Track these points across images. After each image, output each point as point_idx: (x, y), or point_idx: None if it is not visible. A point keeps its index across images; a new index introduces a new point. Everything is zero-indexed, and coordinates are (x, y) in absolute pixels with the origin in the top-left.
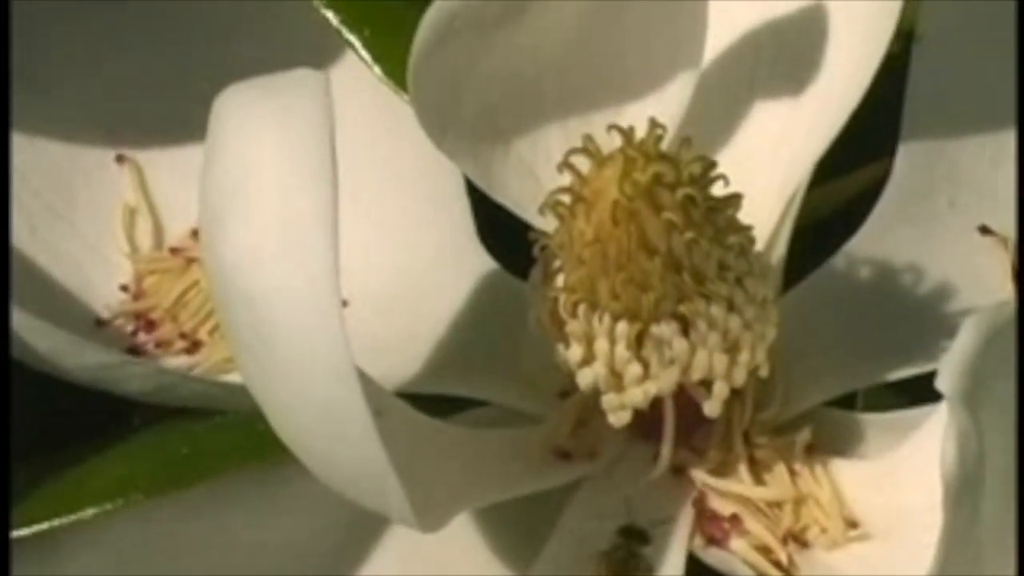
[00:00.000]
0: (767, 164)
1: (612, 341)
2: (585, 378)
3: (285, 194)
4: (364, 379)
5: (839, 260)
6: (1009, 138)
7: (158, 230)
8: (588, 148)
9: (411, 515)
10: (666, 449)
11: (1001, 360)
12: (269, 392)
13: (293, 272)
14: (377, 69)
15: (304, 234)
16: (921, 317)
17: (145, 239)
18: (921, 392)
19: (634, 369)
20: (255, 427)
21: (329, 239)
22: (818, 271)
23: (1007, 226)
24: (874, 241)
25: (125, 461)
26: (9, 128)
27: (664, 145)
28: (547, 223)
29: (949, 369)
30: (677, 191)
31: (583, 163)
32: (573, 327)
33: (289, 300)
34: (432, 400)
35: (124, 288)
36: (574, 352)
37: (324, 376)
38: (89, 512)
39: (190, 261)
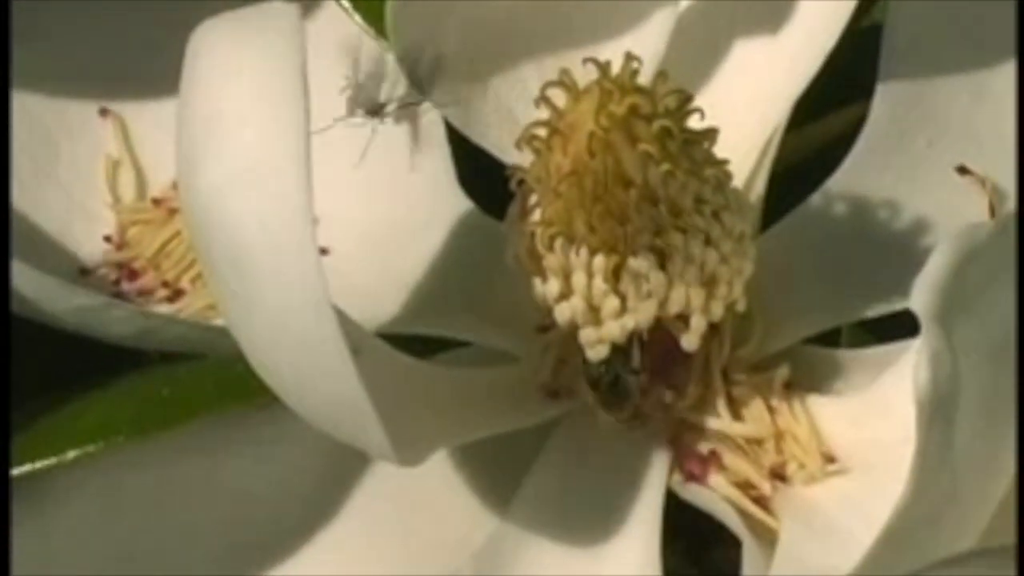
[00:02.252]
0: (745, 102)
1: (589, 274)
2: (563, 313)
3: (259, 124)
4: (341, 316)
5: (817, 199)
6: (987, 78)
7: (141, 182)
8: (564, 82)
9: (390, 449)
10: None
11: (979, 280)
12: (247, 326)
13: (267, 201)
14: (357, 17)
15: (277, 163)
16: (899, 254)
17: (128, 191)
18: (901, 330)
19: (611, 302)
20: (236, 369)
21: (302, 168)
22: (796, 210)
23: (985, 166)
24: (853, 180)
25: (106, 404)
26: (9, 122)
27: (641, 80)
28: (524, 159)
29: (923, 288)
30: (653, 123)
31: (560, 97)
32: (550, 261)
33: (263, 229)
34: (413, 341)
35: (107, 239)
36: (551, 286)
37: (300, 304)
38: (71, 454)
39: (172, 212)
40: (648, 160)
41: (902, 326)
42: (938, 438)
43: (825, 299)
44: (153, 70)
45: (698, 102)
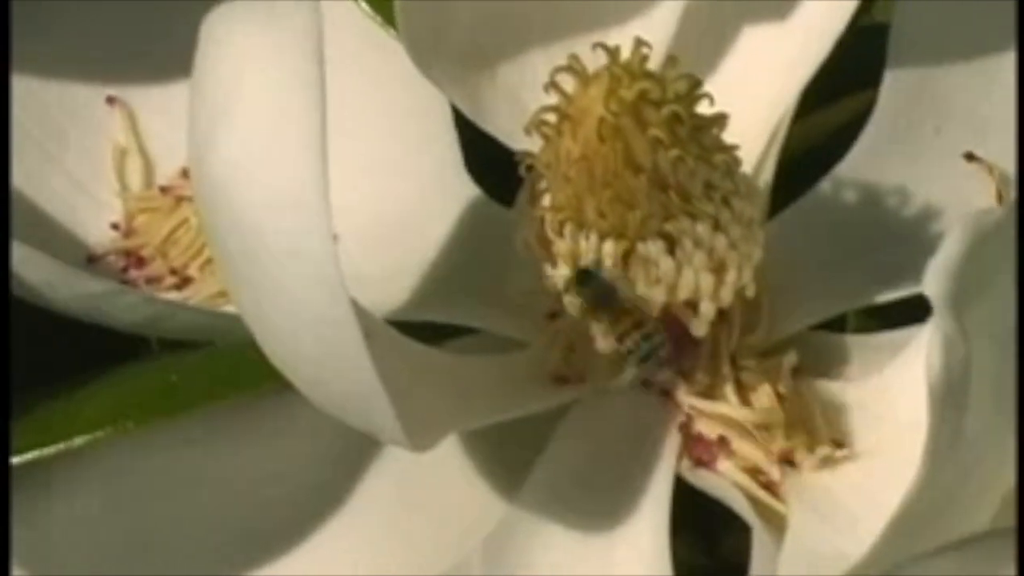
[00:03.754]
0: (754, 89)
1: (599, 260)
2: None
3: (275, 107)
4: (352, 303)
5: (826, 185)
6: (995, 66)
7: (148, 169)
8: (573, 67)
9: (401, 434)
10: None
11: (989, 265)
12: (259, 310)
13: (282, 183)
14: (364, 4)
15: (293, 145)
16: (907, 240)
17: (135, 178)
18: (908, 316)
19: None
20: (246, 355)
21: (318, 151)
22: (805, 196)
23: (993, 152)
24: (861, 167)
25: (114, 390)
26: (9, 119)
27: (651, 65)
28: (533, 144)
29: (935, 273)
30: (663, 108)
31: (569, 83)
32: (560, 246)
33: (278, 212)
34: (422, 328)
35: (115, 226)
36: (561, 272)
37: (314, 288)
38: (78, 440)
39: (180, 200)
40: (658, 145)
41: (909, 312)
42: (950, 423)
43: (833, 285)
44: (161, 58)
45: (706, 87)
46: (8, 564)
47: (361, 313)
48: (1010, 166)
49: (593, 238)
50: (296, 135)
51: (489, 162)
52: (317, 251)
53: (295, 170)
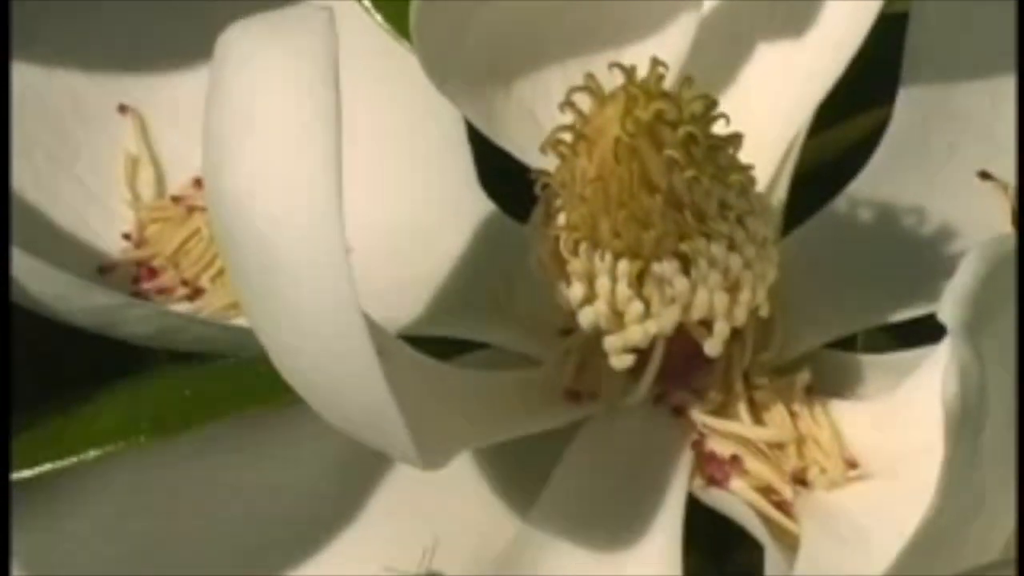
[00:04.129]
0: (768, 107)
1: (613, 279)
2: (586, 317)
3: (291, 125)
4: (366, 319)
5: (839, 203)
6: (1009, 83)
7: (160, 179)
8: (590, 86)
9: (414, 452)
10: (648, 378)
11: (1003, 292)
12: (273, 327)
13: (297, 201)
14: (378, 17)
15: (307, 163)
16: (921, 259)
17: (147, 188)
18: (921, 336)
19: (635, 307)
20: (258, 369)
21: (332, 168)
22: (819, 214)
23: (1007, 171)
24: (874, 184)
25: (127, 404)
26: (9, 120)
27: (666, 84)
28: (548, 162)
29: (952, 299)
30: (679, 129)
31: (584, 102)
32: (574, 265)
33: (293, 230)
34: (435, 343)
35: (126, 236)
36: (575, 291)
37: (328, 308)
38: (91, 454)
39: (192, 210)
40: (673, 166)
41: (922, 330)
42: (966, 449)
43: (847, 304)
44: (173, 67)
45: (721, 106)
46: (8, 564)
47: (374, 329)
48: None
49: (608, 257)
50: (311, 155)
51: (503, 176)
52: (331, 271)
53: (310, 190)
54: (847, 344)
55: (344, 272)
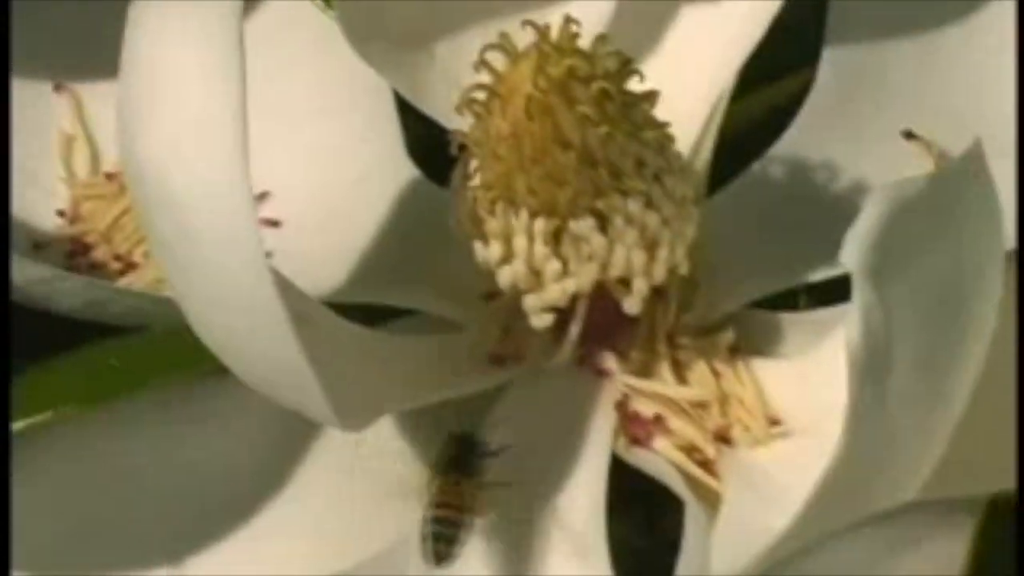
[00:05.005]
0: (691, 67)
1: (530, 238)
2: (505, 277)
3: (197, 91)
4: (286, 285)
5: (763, 164)
6: (933, 44)
7: (95, 157)
8: (503, 45)
9: (331, 414)
10: (572, 335)
11: (912, 234)
12: (190, 293)
13: (205, 165)
14: None
15: (214, 130)
16: (845, 219)
17: (82, 165)
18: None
19: (553, 266)
20: (184, 337)
21: (239, 134)
22: (742, 175)
23: (932, 130)
24: (799, 145)
25: (55, 375)
26: (9, 123)
27: (583, 44)
28: (466, 123)
29: (853, 243)
30: (591, 85)
31: (499, 61)
32: (491, 225)
33: (202, 196)
34: (362, 310)
35: (61, 213)
36: (493, 250)
37: (238, 267)
38: (19, 424)
39: (125, 187)
40: (586, 122)
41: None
42: (870, 393)
43: (771, 263)
44: (108, 45)
45: (643, 68)
46: (8, 565)
47: (297, 295)
48: (948, 144)
49: (524, 216)
50: (218, 121)
51: (431, 144)
52: (242, 235)
53: (217, 154)
54: (777, 303)
55: (252, 231)
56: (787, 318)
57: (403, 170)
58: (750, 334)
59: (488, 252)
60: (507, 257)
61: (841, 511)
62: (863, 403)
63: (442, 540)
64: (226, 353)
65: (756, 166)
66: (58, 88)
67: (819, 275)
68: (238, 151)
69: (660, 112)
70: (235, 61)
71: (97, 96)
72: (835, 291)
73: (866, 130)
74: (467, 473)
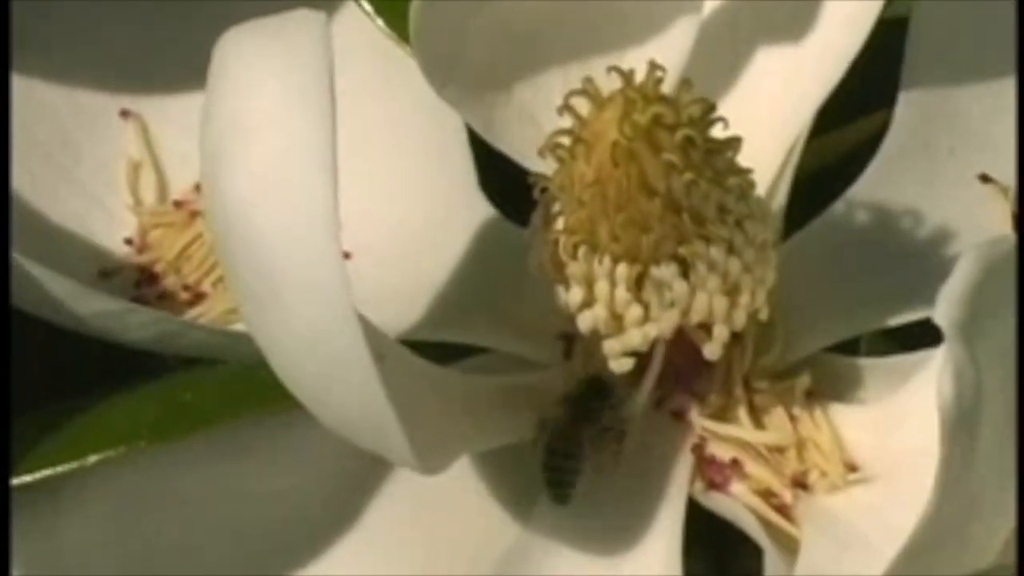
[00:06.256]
0: (768, 111)
1: (612, 283)
2: (585, 321)
3: (285, 133)
4: (364, 323)
5: (840, 207)
6: (1008, 85)
7: (162, 184)
8: (588, 90)
9: (411, 457)
10: (648, 382)
11: (1000, 294)
12: (271, 334)
13: (293, 210)
14: (379, 21)
15: (303, 172)
16: (921, 263)
17: (149, 193)
18: (922, 339)
19: (634, 311)
20: (258, 374)
21: (328, 177)
22: (819, 218)
23: (1007, 175)
24: (875, 188)
25: (128, 409)
26: (9, 121)
27: (665, 88)
28: (547, 166)
29: (946, 301)
30: (676, 132)
31: (583, 106)
32: (573, 269)
33: (289, 238)
34: (436, 348)
35: (128, 241)
36: (574, 294)
37: (325, 314)
38: (91, 459)
39: (194, 214)
40: (671, 169)
41: (923, 334)
42: (961, 450)
43: (847, 307)
44: (174, 71)
45: (720, 110)
46: (8, 564)
47: (373, 333)
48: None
49: (607, 261)
50: (306, 161)
51: (504, 181)
52: (328, 278)
53: (305, 196)
54: (847, 348)
55: (340, 277)
56: (864, 363)
57: (476, 205)
58: (826, 378)
59: (569, 296)
60: (588, 302)
61: (928, 567)
62: (955, 460)
63: (559, 473)
64: (306, 395)
65: (831, 208)
66: (124, 114)
67: (895, 320)
68: (328, 195)
69: (738, 155)
70: (325, 101)
71: (164, 121)
72: (896, 334)
73: (942, 173)
74: (590, 418)
